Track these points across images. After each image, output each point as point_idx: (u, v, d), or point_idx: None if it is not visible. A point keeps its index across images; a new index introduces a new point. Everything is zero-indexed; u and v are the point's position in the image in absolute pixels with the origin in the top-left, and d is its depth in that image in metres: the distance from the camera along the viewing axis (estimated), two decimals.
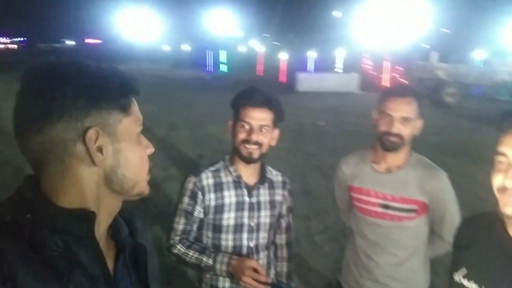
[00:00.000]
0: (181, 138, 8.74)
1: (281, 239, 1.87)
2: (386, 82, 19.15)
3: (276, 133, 1.68)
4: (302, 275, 3.74)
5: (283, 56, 23.28)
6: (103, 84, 0.73)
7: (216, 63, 30.08)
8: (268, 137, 1.64)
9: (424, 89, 15.63)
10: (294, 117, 11.60)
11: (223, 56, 29.39)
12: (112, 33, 40.02)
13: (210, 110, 12.39)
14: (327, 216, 4.98)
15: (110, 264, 0.78)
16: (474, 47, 17.02)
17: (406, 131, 1.72)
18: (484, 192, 6.06)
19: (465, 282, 1.14)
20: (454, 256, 1.24)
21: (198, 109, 12.58)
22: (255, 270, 1.50)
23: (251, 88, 1.67)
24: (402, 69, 17.84)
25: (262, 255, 1.73)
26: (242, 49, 30.20)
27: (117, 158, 0.74)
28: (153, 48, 36.14)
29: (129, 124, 0.76)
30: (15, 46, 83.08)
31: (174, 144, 8.22)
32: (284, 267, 1.88)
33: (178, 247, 1.68)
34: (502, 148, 1.03)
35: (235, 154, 1.67)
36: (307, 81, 19.28)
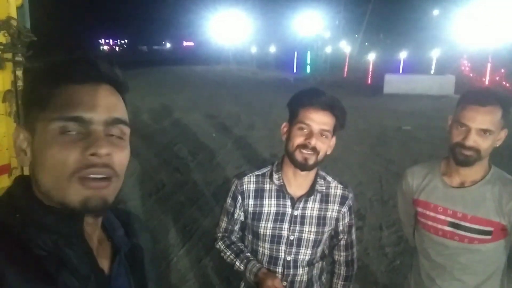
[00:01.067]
0: (258, 137, 8.80)
1: (340, 256, 1.76)
2: (487, 85, 17.44)
3: (334, 141, 1.54)
4: (367, 287, 3.50)
5: (372, 57, 22.36)
6: (33, 77, 0.72)
7: (301, 65, 29.94)
8: (327, 144, 1.49)
9: None
10: (377, 120, 11.07)
11: (308, 57, 29.15)
12: (204, 37, 42.08)
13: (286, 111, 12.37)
14: (401, 228, 4.62)
15: (106, 264, 0.78)
16: None
17: (485, 144, 1.48)
18: None
19: None
20: None
21: (278, 110, 12.58)
22: None
23: (314, 88, 1.53)
24: (505, 71, 16.06)
25: (302, 271, 1.62)
26: (329, 50, 29.63)
27: (35, 158, 0.70)
28: (241, 50, 37.19)
29: (44, 120, 0.69)
30: (117, 48, 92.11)
31: (250, 144, 8.31)
32: (339, 285, 1.76)
33: (220, 243, 1.71)
34: None
35: (287, 159, 1.54)
36: (395, 83, 18.24)
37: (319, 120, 1.45)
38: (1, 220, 0.68)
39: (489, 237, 1.52)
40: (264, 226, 1.58)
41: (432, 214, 1.64)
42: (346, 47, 28.67)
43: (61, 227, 0.68)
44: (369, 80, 21.92)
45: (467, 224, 1.54)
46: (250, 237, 1.67)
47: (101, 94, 0.71)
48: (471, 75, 18.78)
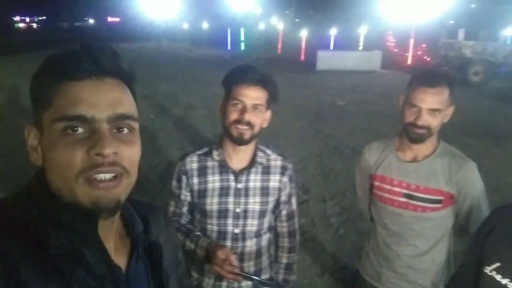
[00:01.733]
0: (198, 117, 8.72)
1: (283, 227, 1.79)
2: (410, 60, 18.62)
3: (268, 114, 1.60)
4: (317, 257, 3.71)
5: (304, 34, 22.80)
6: (34, 75, 0.70)
7: (236, 42, 29.74)
8: (261, 118, 1.55)
9: (449, 67, 15.12)
10: (313, 97, 11.44)
11: (242, 34, 29.02)
12: (131, 11, 39.94)
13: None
14: (344, 198, 4.91)
15: (123, 261, 0.77)
16: (505, 23, 16.26)
17: (435, 122, 1.61)
18: (508, 174, 5.87)
19: (497, 277, 1.08)
20: (486, 248, 1.16)
21: (216, 88, 12.37)
22: (227, 259, 1.43)
23: (245, 65, 1.58)
24: (427, 47, 17.28)
25: (250, 242, 1.66)
26: (262, 26, 29.70)
27: (44, 158, 0.70)
28: (172, 26, 35.97)
29: (49, 118, 0.67)
30: (35, 25, 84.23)
31: (191, 124, 8.22)
32: (284, 258, 1.81)
33: None
34: None
35: (225, 136, 1.60)
36: (327, 60, 18.86)
37: (251, 95, 1.50)
38: (19, 216, 0.67)
39: (439, 205, 1.68)
40: (210, 202, 1.61)
41: (388, 187, 1.77)
42: (278, 24, 28.90)
43: (77, 225, 0.67)
44: (303, 56, 22.40)
45: (420, 195, 1.69)
46: (198, 216, 1.68)
47: (104, 89, 0.68)
48: (396, 50, 19.93)
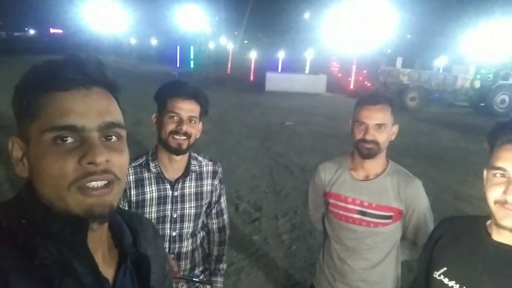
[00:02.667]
0: (146, 134, 8.53)
1: (213, 224, 1.95)
2: (352, 84, 19.61)
3: (201, 126, 1.71)
4: (269, 273, 3.76)
5: (253, 55, 23.30)
6: (18, 86, 0.70)
7: (184, 59, 29.69)
8: (196, 129, 1.66)
9: (388, 93, 16.09)
10: (263, 116, 11.68)
11: (192, 53, 29.03)
12: (76, 23, 38.56)
13: None
14: (295, 216, 5.03)
15: (111, 273, 0.76)
16: (436, 53, 17.72)
17: (382, 137, 1.74)
18: (442, 193, 6.34)
19: (445, 280, 1.18)
20: (434, 255, 1.27)
21: None
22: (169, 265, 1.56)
23: (178, 80, 1.69)
24: (368, 73, 18.32)
25: (187, 243, 1.79)
26: (211, 46, 29.91)
27: (32, 169, 0.69)
28: (120, 41, 35.21)
29: (36, 130, 0.67)
30: None
31: (139, 141, 8.05)
32: (215, 250, 1.97)
33: None
34: (500, 163, 1.05)
35: (162, 147, 1.66)
36: (275, 81, 19.42)
37: (186, 108, 1.61)
38: (7, 225, 0.66)
39: (390, 220, 1.80)
40: (149, 211, 1.69)
41: (342, 204, 1.86)
42: (228, 44, 29.29)
43: (66, 235, 0.67)
44: (252, 77, 22.83)
45: (373, 211, 1.80)
46: None
47: (92, 99, 0.69)
48: (340, 75, 20.93)
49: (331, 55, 22.25)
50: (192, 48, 28.97)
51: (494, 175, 1.06)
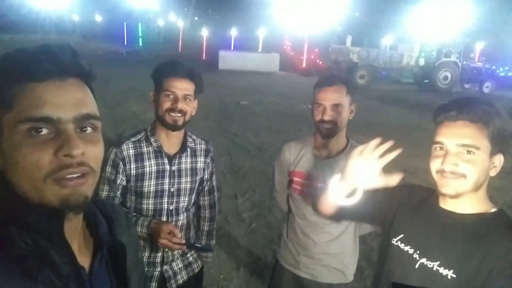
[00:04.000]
0: None
1: (205, 200, 2.06)
2: (304, 63, 19.87)
3: (196, 103, 1.81)
4: (231, 252, 3.84)
5: (205, 33, 22.86)
6: None
7: (133, 37, 28.56)
8: (191, 106, 1.75)
9: (339, 71, 16.54)
10: (218, 96, 11.59)
11: (140, 30, 27.96)
12: None
13: (129, 87, 11.87)
14: (254, 194, 5.14)
15: (87, 261, 0.77)
16: (384, 32, 18.30)
17: (339, 117, 1.83)
18: (391, 167, 6.67)
19: (402, 246, 1.29)
20: (394, 223, 1.37)
21: (115, 86, 11.93)
22: (171, 232, 1.65)
23: (174, 60, 1.79)
24: (319, 51, 18.62)
25: (182, 216, 1.87)
26: (160, 23, 28.92)
27: (5, 160, 0.68)
28: (61, 16, 33.10)
29: (10, 121, 0.66)
30: None
31: None
32: (206, 226, 2.09)
33: None
34: (439, 138, 1.18)
35: (159, 124, 1.76)
36: (228, 60, 19.27)
37: (181, 87, 1.71)
38: None
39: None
40: (148, 185, 1.77)
41: (306, 181, 1.96)
42: (178, 21, 28.48)
43: (42, 226, 0.67)
44: (204, 56, 22.47)
45: None
46: (133, 198, 1.81)
47: (67, 90, 0.68)
48: (292, 54, 21.11)
49: (283, 34, 22.33)
50: (140, 25, 27.90)
51: (435, 148, 1.19)
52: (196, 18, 37.48)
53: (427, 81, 17.44)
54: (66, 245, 0.70)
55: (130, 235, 0.90)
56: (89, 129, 0.71)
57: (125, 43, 28.31)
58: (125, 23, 28.44)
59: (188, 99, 1.72)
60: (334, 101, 1.82)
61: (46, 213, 0.67)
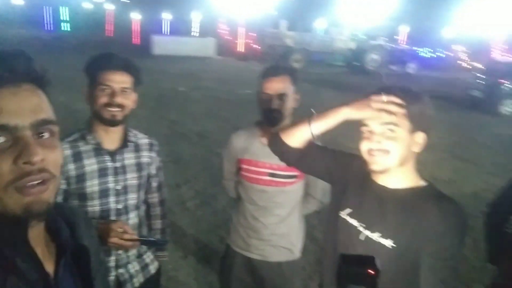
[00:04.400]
0: None
1: (153, 198, 1.97)
2: (241, 47, 19.84)
3: (135, 96, 1.72)
4: (178, 241, 3.83)
5: (136, 16, 21.92)
6: None
7: (57, 22, 26.65)
8: (130, 100, 1.68)
9: (275, 55, 16.77)
10: (153, 82, 11.22)
11: (64, 14, 26.14)
12: None
13: (54, 75, 11.06)
14: (197, 182, 5.13)
15: (51, 267, 0.76)
16: (316, 16, 18.77)
17: (284, 106, 1.91)
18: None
19: (348, 219, 1.39)
20: (337, 196, 1.47)
21: None
22: (121, 230, 1.54)
23: (108, 52, 1.71)
24: (256, 36, 18.69)
25: (132, 214, 1.79)
26: (87, 5, 27.26)
27: None
28: None
29: None
30: None
31: None
32: (158, 224, 2.02)
33: None
34: (365, 120, 1.30)
35: (96, 119, 1.67)
36: (162, 44, 18.70)
37: (118, 80, 1.62)
38: None
39: (295, 179, 2.01)
40: (91, 185, 1.66)
41: (254, 168, 2.02)
42: (106, 4, 27.00)
43: (6, 235, 0.67)
44: (136, 40, 21.60)
45: (281, 172, 1.99)
46: (76, 202, 1.70)
47: (23, 96, 0.67)
48: (228, 38, 20.98)
49: (218, 18, 22.07)
50: (64, 8, 26.08)
51: (363, 131, 1.31)
52: (125, 0, 35.76)
53: (357, 63, 18.25)
54: (31, 252, 0.70)
55: (91, 237, 0.90)
56: (46, 135, 0.70)
57: (49, 28, 26.34)
58: (47, 7, 26.37)
59: (126, 92, 1.64)
60: (280, 90, 1.88)
61: (9, 222, 0.66)
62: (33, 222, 0.70)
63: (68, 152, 1.64)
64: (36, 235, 0.74)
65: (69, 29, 25.52)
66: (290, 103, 1.94)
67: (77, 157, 1.66)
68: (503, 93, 10.85)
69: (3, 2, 29.80)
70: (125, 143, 1.75)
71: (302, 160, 1.53)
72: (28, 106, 0.68)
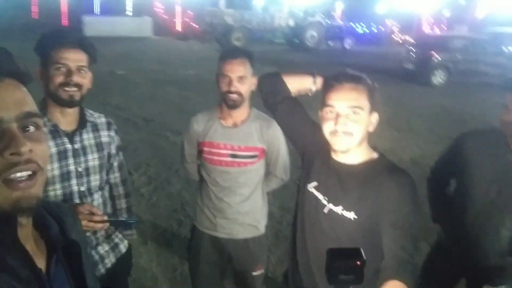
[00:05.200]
0: None
1: (115, 178, 1.94)
2: (179, 26, 19.31)
3: (91, 75, 1.67)
4: (137, 228, 3.78)
5: None
6: None
7: None
8: (87, 79, 1.62)
9: (215, 34, 16.54)
10: None
11: None
12: None
13: None
14: (149, 168, 5.06)
15: (42, 264, 0.76)
16: None
17: (244, 88, 1.95)
18: None
19: (315, 192, 1.47)
20: (306, 170, 1.55)
21: None
22: (90, 212, 1.51)
23: (60, 29, 1.69)
24: (194, 14, 18.25)
25: (96, 196, 1.76)
26: None
27: None
28: None
29: None
30: None
31: None
32: (122, 204, 1.99)
33: None
34: (331, 102, 1.35)
35: (51, 100, 1.61)
36: (95, 25, 17.66)
37: (73, 58, 1.55)
38: None
39: (256, 159, 2.08)
40: (50, 169, 1.61)
41: (216, 150, 2.06)
42: None
43: None
44: (65, 21, 20.24)
45: (242, 153, 2.05)
46: None
47: (6, 90, 0.68)
48: (165, 17, 20.29)
49: None
50: None
51: (327, 112, 1.36)
52: None
53: (297, 40, 18.52)
54: (22, 248, 0.70)
55: (78, 231, 0.90)
56: (32, 128, 0.71)
57: None
58: None
59: (83, 71, 1.58)
60: (239, 73, 1.92)
61: None
62: (22, 218, 0.71)
63: None
64: (25, 232, 0.74)
65: None
66: (249, 86, 1.99)
67: None
68: (434, 65, 11.58)
69: None
70: (83, 123, 1.69)
71: (288, 110, 1.59)
72: (12, 100, 0.68)
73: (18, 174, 0.66)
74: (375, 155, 1.44)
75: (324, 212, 1.44)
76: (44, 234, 0.80)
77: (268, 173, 2.21)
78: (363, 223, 1.37)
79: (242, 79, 1.93)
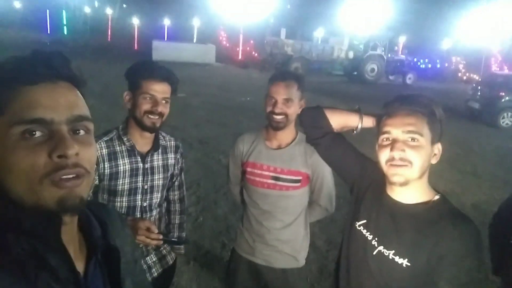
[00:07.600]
0: None
1: (174, 195, 2.11)
2: (240, 54, 19.94)
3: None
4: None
5: (136, 22, 22.00)
6: None
7: (56, 25, 26.69)
8: (168, 109, 1.79)
9: (274, 63, 16.87)
10: None
11: (64, 18, 26.20)
12: None
13: None
14: (199, 188, 5.14)
15: (81, 266, 0.77)
16: (315, 25, 18.93)
17: (290, 110, 1.94)
18: None
19: (363, 231, 1.37)
20: (355, 205, 1.46)
21: None
22: (148, 229, 1.63)
23: (150, 61, 1.84)
24: (255, 43, 18.81)
25: (155, 212, 1.91)
26: (87, 10, 27.29)
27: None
28: None
29: (4, 124, 0.66)
30: None
31: None
32: (177, 219, 2.14)
33: None
34: (387, 128, 1.26)
35: (134, 123, 1.77)
36: (162, 50, 18.75)
37: (160, 90, 1.73)
38: None
39: (299, 184, 2.03)
40: (122, 183, 1.79)
41: (259, 171, 2.05)
42: (106, 8, 27.08)
43: (39, 230, 0.67)
44: (136, 46, 21.67)
45: (285, 176, 2.01)
46: (105, 196, 1.81)
47: (60, 92, 0.70)
48: (228, 45, 21.09)
49: (218, 24, 22.19)
50: (64, 12, 26.14)
51: (383, 139, 1.27)
52: (124, 6, 35.87)
53: (355, 73, 18.37)
54: (63, 249, 0.70)
55: (125, 236, 0.91)
56: (82, 132, 0.72)
57: (48, 32, 26.37)
58: (47, 10, 26.41)
59: (166, 102, 1.75)
60: (285, 95, 1.92)
61: (42, 217, 0.67)
62: (66, 217, 0.71)
63: (104, 151, 1.77)
64: (69, 232, 0.75)
65: (69, 33, 25.55)
66: (295, 109, 1.97)
67: (112, 156, 1.78)
68: (502, 106, 10.93)
69: (3, 4, 29.82)
70: (156, 146, 1.87)
71: (331, 144, 1.54)
72: (65, 102, 0.70)
73: (65, 177, 0.67)
74: (436, 196, 1.29)
75: (373, 254, 1.32)
76: (87, 237, 0.81)
77: (312, 202, 2.15)
78: (416, 271, 1.23)
79: (288, 101, 1.93)
